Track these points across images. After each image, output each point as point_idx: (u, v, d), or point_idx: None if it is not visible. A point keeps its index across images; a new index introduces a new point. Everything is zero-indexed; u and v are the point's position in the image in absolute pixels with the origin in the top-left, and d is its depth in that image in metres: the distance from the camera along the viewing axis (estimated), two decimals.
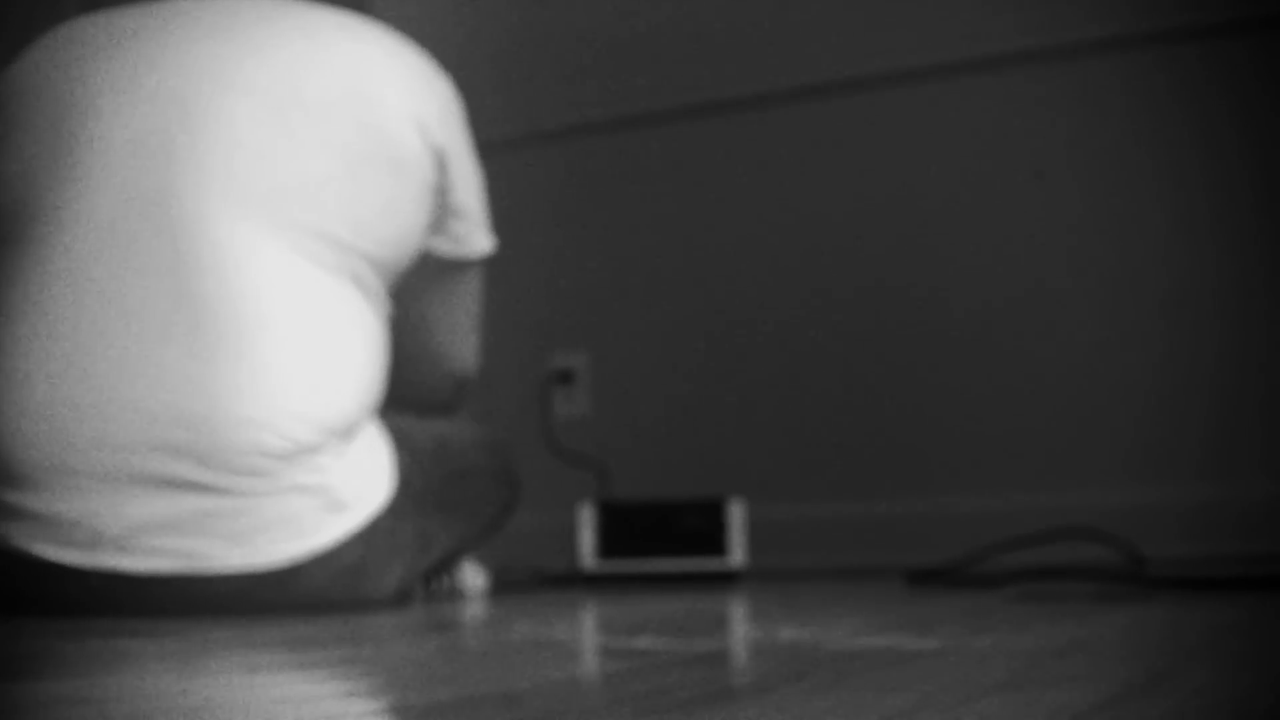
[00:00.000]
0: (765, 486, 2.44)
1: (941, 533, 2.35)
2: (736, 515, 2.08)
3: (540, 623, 1.24)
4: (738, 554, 2.07)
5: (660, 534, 2.08)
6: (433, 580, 1.86)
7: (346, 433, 1.51)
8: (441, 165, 1.61)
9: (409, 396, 1.78)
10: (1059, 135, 2.34)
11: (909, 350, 2.43)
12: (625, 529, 2.08)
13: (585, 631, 1.13)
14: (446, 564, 1.84)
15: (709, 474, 2.51)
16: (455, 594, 1.89)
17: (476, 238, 1.71)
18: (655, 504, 2.09)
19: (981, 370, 2.38)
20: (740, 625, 1.17)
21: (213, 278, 1.43)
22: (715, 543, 2.07)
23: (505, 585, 2.09)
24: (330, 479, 1.47)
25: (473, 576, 1.90)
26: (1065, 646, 0.87)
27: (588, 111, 2.65)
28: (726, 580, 2.07)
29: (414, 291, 1.71)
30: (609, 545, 2.08)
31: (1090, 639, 0.93)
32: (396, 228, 1.56)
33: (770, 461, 2.50)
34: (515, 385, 2.65)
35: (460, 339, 1.76)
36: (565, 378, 2.65)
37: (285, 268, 1.47)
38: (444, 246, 1.68)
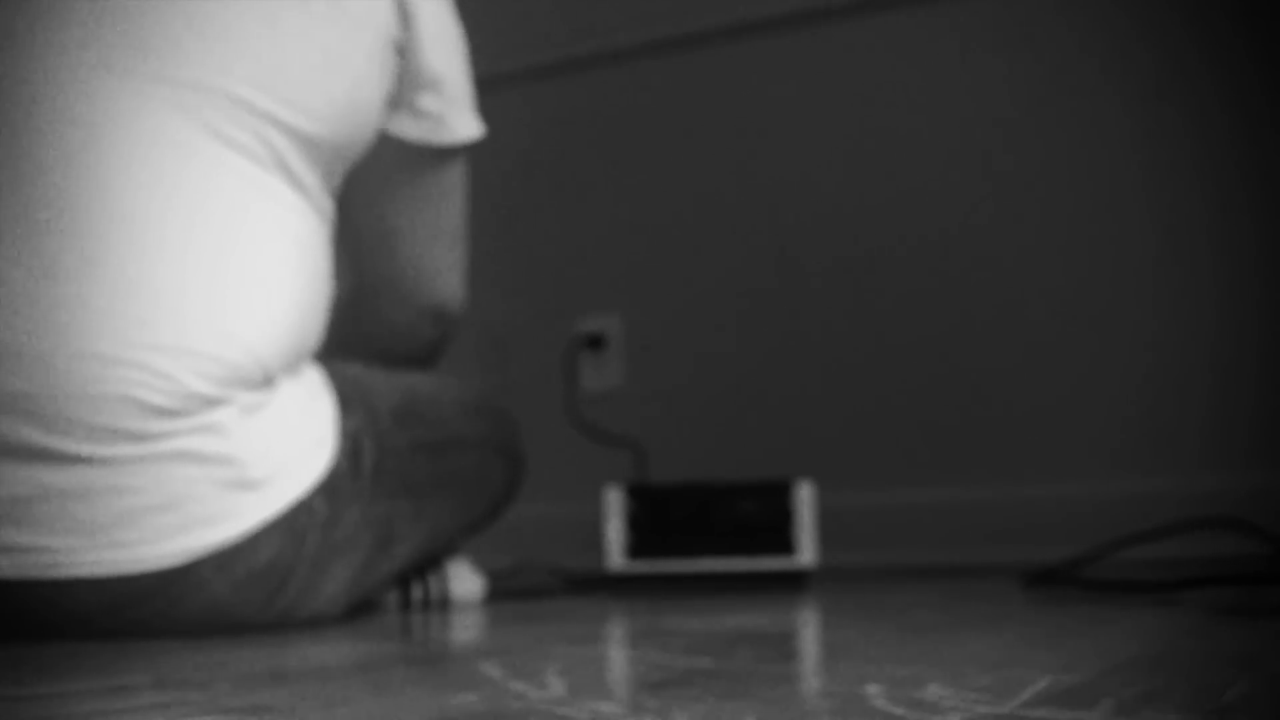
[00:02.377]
0: (831, 470, 2.08)
1: (1032, 521, 2.05)
2: (806, 501, 1.63)
3: (521, 667, 0.80)
4: (807, 550, 1.62)
5: (708, 525, 1.64)
6: (412, 585, 1.42)
7: (263, 383, 1.08)
8: (404, 13, 1.18)
9: (371, 341, 1.35)
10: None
11: (1003, 306, 2.13)
12: (663, 519, 1.64)
13: (582, 691, 0.69)
14: (428, 564, 1.40)
15: (764, 456, 2.23)
16: (443, 603, 1.45)
17: (456, 118, 1.27)
18: (702, 487, 1.66)
19: (1079, 342, 1.97)
20: (843, 677, 0.72)
21: (58, 158, 1.00)
22: (778, 536, 1.63)
23: (510, 591, 1.65)
24: (235, 445, 1.04)
25: (461, 581, 1.47)
26: None
27: (614, 36, 2.40)
28: (793, 584, 1.62)
29: (373, 193, 1.28)
30: (642, 540, 1.64)
31: None
32: (341, 95, 1.13)
33: (837, 440, 2.21)
34: (535, 352, 2.42)
35: (438, 259, 1.33)
36: (594, 343, 2.39)
37: (170, 145, 1.04)
38: (411, 129, 1.25)
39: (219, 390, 1.05)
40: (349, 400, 1.19)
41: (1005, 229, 2.12)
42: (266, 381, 1.09)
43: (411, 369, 1.37)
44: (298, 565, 1.10)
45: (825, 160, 2.25)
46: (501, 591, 1.61)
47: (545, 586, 1.73)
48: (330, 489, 1.12)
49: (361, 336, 1.37)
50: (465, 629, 1.19)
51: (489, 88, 2.48)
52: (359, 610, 1.33)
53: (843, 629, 1.01)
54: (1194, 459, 1.97)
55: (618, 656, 0.86)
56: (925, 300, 2.17)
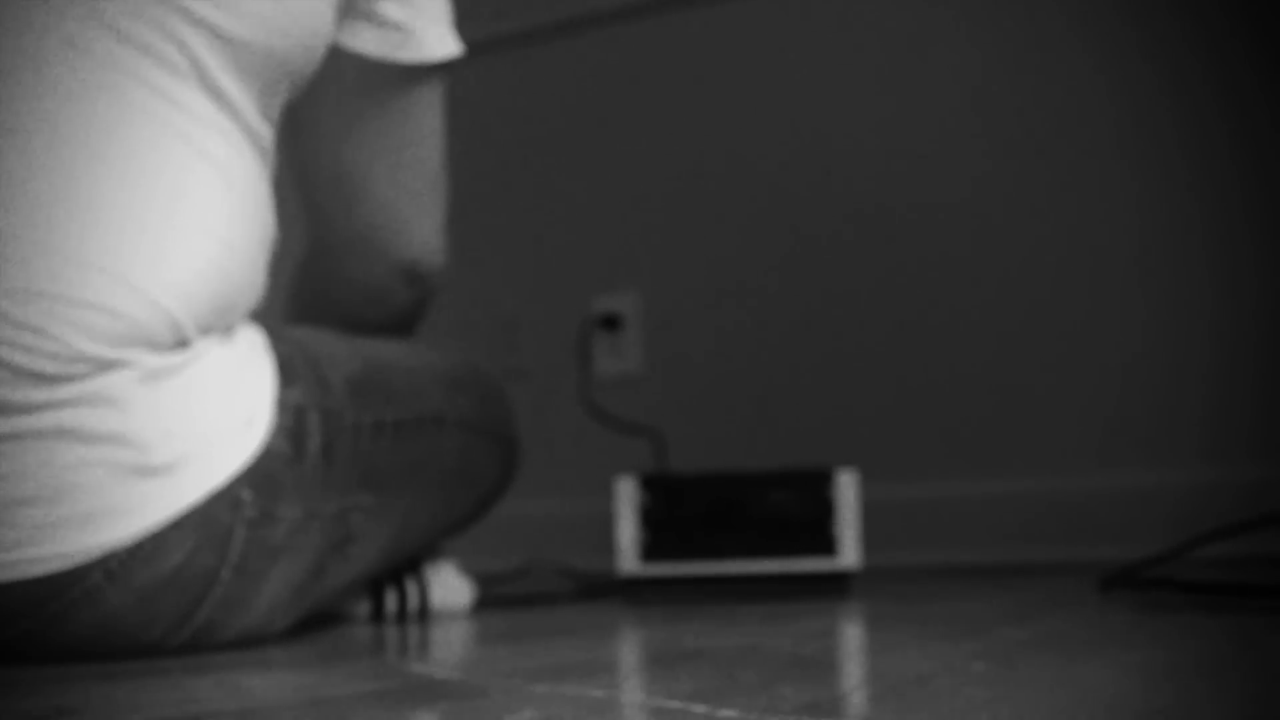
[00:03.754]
0: (871, 461, 1.87)
1: (1086, 514, 1.86)
2: (848, 492, 1.41)
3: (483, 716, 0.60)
4: (849, 549, 1.40)
5: (735, 521, 1.43)
6: (385, 593, 1.21)
7: (175, 344, 0.86)
8: None
9: (335, 308, 1.14)
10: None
11: (1052, 279, 1.93)
12: (683, 514, 1.42)
13: None
14: (405, 568, 1.19)
15: (797, 446, 2.05)
16: (422, 614, 1.24)
17: (427, 31, 1.06)
18: (727, 477, 1.45)
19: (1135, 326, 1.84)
20: None
21: None
22: (817, 532, 1.41)
23: (504, 598, 1.44)
24: (133, 421, 0.83)
25: (445, 588, 1.25)
26: None
27: None
28: (833, 588, 1.40)
29: (330, 125, 1.07)
30: (659, 538, 1.42)
31: None
32: None
33: (877, 428, 2.03)
34: (546, 333, 2.28)
35: (410, 206, 1.11)
36: (610, 324, 2.24)
37: (57, 44, 0.82)
38: (372, 42, 1.04)
39: (113, 351, 0.83)
40: (292, 368, 0.97)
41: (1062, 204, 1.91)
42: (179, 343, 0.88)
43: (381, 337, 1.15)
44: (220, 572, 0.89)
45: (865, 120, 2.08)
46: (494, 599, 1.40)
47: (545, 593, 1.51)
48: (263, 478, 0.91)
49: (323, 302, 1.16)
50: (439, 650, 0.97)
51: (493, 50, 2.37)
52: (315, 624, 1.11)
53: (910, 652, 0.79)
54: (1244, 451, 1.76)
55: (616, 700, 0.65)
56: (973, 269, 1.99)
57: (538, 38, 2.30)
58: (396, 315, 1.17)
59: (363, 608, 1.20)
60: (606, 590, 1.53)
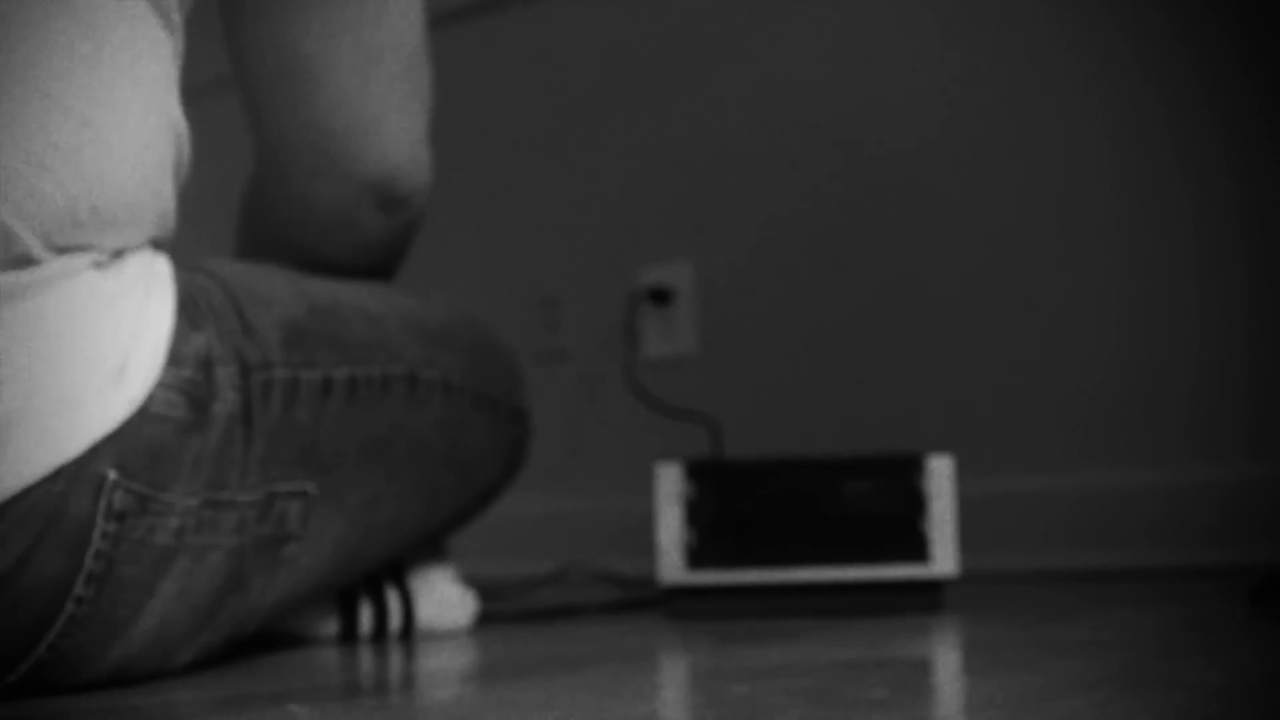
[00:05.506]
0: (961, 451, 1.62)
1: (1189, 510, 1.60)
2: (942, 482, 1.16)
3: None
4: (946, 553, 1.14)
5: (801, 517, 1.18)
6: (360, 608, 0.96)
7: (9, 261, 0.61)
8: None
9: (290, 240, 0.89)
10: None
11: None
12: (738, 509, 1.18)
13: None
14: (385, 577, 0.94)
15: (872, 434, 1.82)
16: (406, 633, 0.99)
17: None
18: (792, 464, 1.20)
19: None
20: None
21: None
22: (904, 532, 1.15)
23: (512, 615, 1.19)
24: None
25: (436, 601, 1.00)
26: None
27: None
28: (924, 600, 1.14)
29: (276, 8, 0.82)
30: (709, 538, 1.16)
31: None
32: None
33: (969, 414, 1.78)
34: (588, 310, 2.12)
35: (380, 103, 0.87)
36: (660, 298, 2.06)
37: None
38: None
39: None
40: (200, 308, 0.73)
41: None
42: (17, 260, 0.63)
43: (351, 280, 0.90)
44: (73, 583, 0.64)
45: (942, 70, 1.86)
46: (502, 615, 1.15)
47: (567, 607, 1.26)
48: (140, 451, 0.66)
49: (273, 235, 0.91)
50: (417, 690, 0.72)
51: (531, 3, 2.16)
52: (259, 648, 0.86)
53: (1056, 707, 0.52)
54: None
55: None
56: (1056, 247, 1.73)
57: None
58: (366, 251, 0.92)
59: (329, 626, 0.96)
60: (644, 602, 1.28)
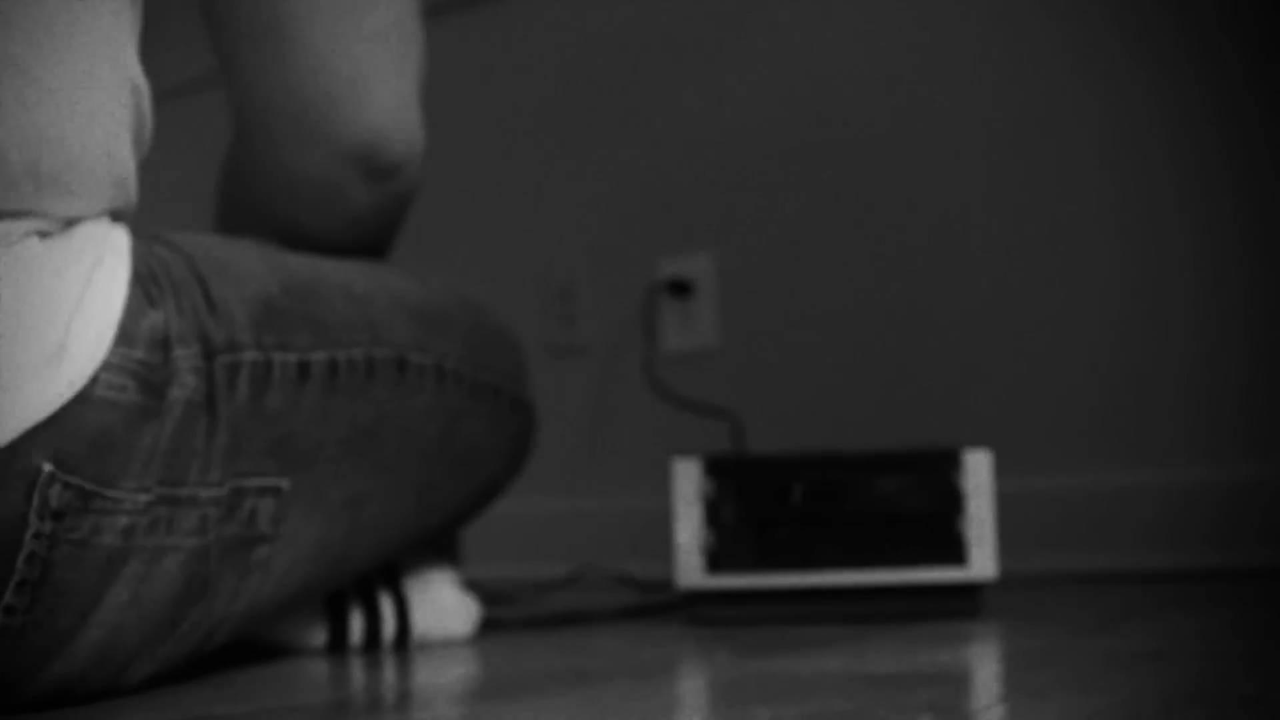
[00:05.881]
0: (994, 447, 1.62)
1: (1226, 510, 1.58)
2: (980, 479, 1.08)
3: None
4: (985, 554, 1.06)
5: (829, 516, 1.10)
6: (349, 615, 0.89)
7: None
8: None
9: (270, 213, 0.82)
10: None
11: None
12: (761, 507, 1.10)
13: None
14: (379, 581, 0.87)
15: (900, 431, 1.77)
16: (400, 642, 0.92)
17: None
18: (819, 460, 1.13)
19: None
20: None
21: None
22: (940, 533, 1.07)
23: (517, 622, 1.12)
24: None
25: (434, 611, 0.93)
26: None
27: None
28: (960, 604, 1.07)
29: None
30: (730, 540, 1.09)
31: None
32: None
33: (1003, 409, 1.71)
34: (606, 303, 2.07)
35: (364, 61, 0.80)
36: (680, 290, 2.01)
37: None
38: None
39: None
40: (158, 283, 0.65)
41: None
42: None
43: (338, 256, 0.83)
44: (2, 590, 0.56)
45: (970, 53, 1.80)
46: (505, 622, 1.07)
47: (577, 613, 1.18)
48: (82, 440, 0.59)
49: (251, 207, 0.84)
50: (401, 714, 0.65)
51: None
52: (233, 659, 0.79)
53: None
54: None
55: None
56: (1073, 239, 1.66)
57: None
58: (354, 225, 0.85)
59: (316, 636, 0.88)
60: (661, 608, 1.20)
